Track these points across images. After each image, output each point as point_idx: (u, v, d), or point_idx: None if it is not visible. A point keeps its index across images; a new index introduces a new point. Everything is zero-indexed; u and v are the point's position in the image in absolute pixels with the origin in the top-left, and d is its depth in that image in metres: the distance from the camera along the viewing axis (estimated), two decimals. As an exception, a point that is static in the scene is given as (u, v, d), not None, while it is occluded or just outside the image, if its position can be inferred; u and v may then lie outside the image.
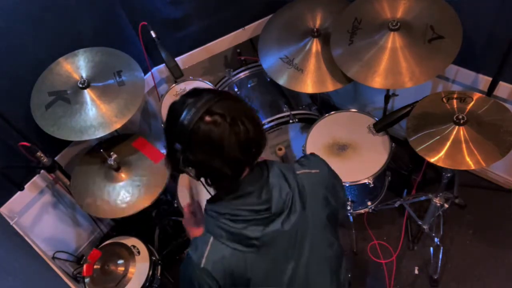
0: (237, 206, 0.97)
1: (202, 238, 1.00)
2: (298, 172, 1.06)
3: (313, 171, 1.09)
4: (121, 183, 1.83)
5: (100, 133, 1.69)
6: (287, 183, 1.00)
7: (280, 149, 2.18)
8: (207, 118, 0.89)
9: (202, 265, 0.96)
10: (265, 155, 2.32)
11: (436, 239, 2.07)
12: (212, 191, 1.05)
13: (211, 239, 0.98)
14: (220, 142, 0.88)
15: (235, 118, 0.90)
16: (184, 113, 0.91)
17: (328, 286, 1.09)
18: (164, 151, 1.50)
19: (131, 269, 1.88)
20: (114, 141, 1.97)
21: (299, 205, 1.00)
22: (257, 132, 0.94)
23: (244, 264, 0.97)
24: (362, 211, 2.14)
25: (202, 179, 0.99)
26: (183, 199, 1.98)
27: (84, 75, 1.77)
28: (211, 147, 0.89)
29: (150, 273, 1.88)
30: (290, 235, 0.99)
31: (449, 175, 1.79)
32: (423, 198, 2.15)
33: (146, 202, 1.78)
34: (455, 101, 1.65)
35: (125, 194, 1.81)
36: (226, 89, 2.34)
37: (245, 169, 0.97)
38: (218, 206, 0.99)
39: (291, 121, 2.09)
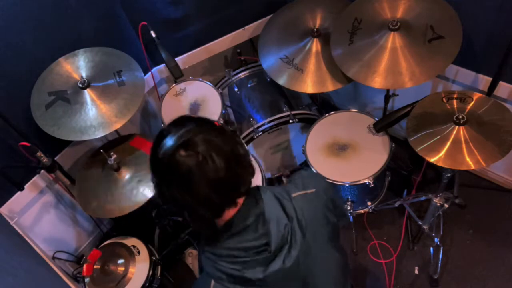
0: (234, 245, 0.92)
1: (203, 281, 0.97)
2: (294, 195, 1.01)
3: (309, 191, 1.04)
4: (123, 181, 1.83)
5: (100, 133, 1.68)
6: (285, 213, 0.95)
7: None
8: (181, 152, 0.84)
9: None
10: (265, 155, 2.34)
11: (436, 239, 2.07)
12: None
13: (213, 282, 0.94)
14: (191, 179, 0.84)
15: (209, 156, 0.84)
16: (162, 144, 0.88)
17: None
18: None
19: (131, 269, 1.88)
20: (113, 143, 1.98)
21: (299, 235, 0.95)
22: (233, 172, 0.88)
23: None
24: (362, 211, 2.14)
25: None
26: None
27: (84, 75, 1.77)
28: (183, 185, 0.86)
29: (150, 273, 1.88)
30: (293, 271, 0.95)
31: (449, 175, 1.79)
32: (423, 198, 2.15)
33: (150, 193, 1.79)
34: (455, 101, 1.65)
35: (128, 190, 1.81)
36: (226, 89, 2.35)
37: (224, 210, 0.91)
38: (214, 247, 0.95)
39: (291, 121, 2.09)
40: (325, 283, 1.05)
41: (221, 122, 2.02)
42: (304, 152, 1.98)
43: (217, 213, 0.92)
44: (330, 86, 1.92)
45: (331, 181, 1.85)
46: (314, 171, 1.88)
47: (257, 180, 1.93)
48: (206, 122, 0.93)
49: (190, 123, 0.90)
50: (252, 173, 0.95)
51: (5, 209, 1.88)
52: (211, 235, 0.97)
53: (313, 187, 1.05)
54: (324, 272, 1.04)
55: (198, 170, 0.84)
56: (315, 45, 1.98)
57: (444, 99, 1.66)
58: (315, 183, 1.08)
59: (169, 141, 0.87)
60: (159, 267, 1.99)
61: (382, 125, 1.90)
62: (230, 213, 0.92)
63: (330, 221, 1.05)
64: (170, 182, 0.88)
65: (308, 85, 1.93)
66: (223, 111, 2.04)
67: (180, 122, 0.92)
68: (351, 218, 2.20)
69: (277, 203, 0.97)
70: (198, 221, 0.95)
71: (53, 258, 2.08)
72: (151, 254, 1.94)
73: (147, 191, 1.79)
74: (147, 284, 1.86)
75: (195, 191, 0.85)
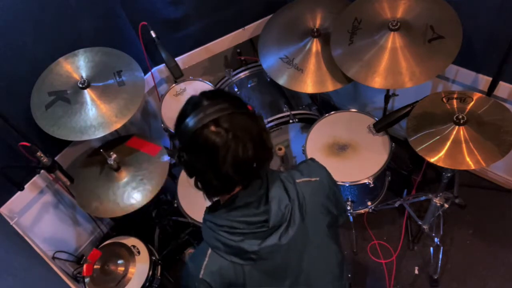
0: (234, 218, 0.95)
1: (200, 249, 1.00)
2: (298, 181, 1.04)
3: (313, 179, 1.07)
4: (124, 181, 1.83)
5: (100, 133, 1.69)
6: (287, 195, 0.99)
7: (280, 149, 2.18)
8: (212, 128, 0.87)
9: (200, 276, 0.96)
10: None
11: (436, 239, 2.07)
12: None
13: (209, 250, 0.98)
14: (216, 155, 0.87)
15: (239, 137, 0.87)
16: (193, 114, 0.89)
17: None
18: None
19: (131, 269, 1.88)
20: (112, 143, 1.97)
21: (298, 217, 0.99)
22: (258, 155, 0.91)
23: (242, 276, 0.97)
24: (362, 211, 2.14)
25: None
26: (183, 199, 1.98)
27: (84, 75, 1.77)
28: (206, 157, 0.88)
29: (150, 273, 1.88)
30: (288, 250, 0.98)
31: (449, 175, 1.79)
32: (423, 198, 2.15)
33: (154, 192, 1.78)
34: (455, 101, 1.65)
35: (130, 189, 1.81)
36: (226, 89, 2.35)
37: (236, 187, 0.95)
38: (216, 217, 0.98)
39: (291, 121, 2.08)
40: (319, 270, 1.07)
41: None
42: (304, 152, 1.98)
43: (229, 189, 0.95)
44: (330, 86, 1.92)
45: (331, 181, 1.86)
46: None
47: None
48: (239, 103, 0.94)
49: (225, 100, 0.91)
50: (271, 158, 0.98)
51: (5, 209, 1.88)
52: (214, 205, 1.02)
53: (318, 176, 1.08)
54: (319, 260, 1.06)
55: (224, 148, 0.86)
56: (315, 45, 1.98)
57: (444, 99, 1.66)
58: (320, 173, 1.10)
59: (201, 113, 0.88)
60: (159, 267, 1.99)
61: (382, 125, 1.90)
62: (237, 189, 0.96)
63: (330, 211, 1.08)
64: (194, 152, 0.90)
65: (308, 85, 1.93)
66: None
67: (215, 96, 0.93)
68: (351, 218, 2.20)
69: (281, 185, 1.00)
70: (207, 189, 0.97)
71: (53, 258, 2.08)
72: (151, 254, 1.94)
73: (148, 193, 1.79)
74: (147, 284, 1.86)
75: (217, 166, 0.88)
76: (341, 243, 1.15)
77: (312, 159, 1.16)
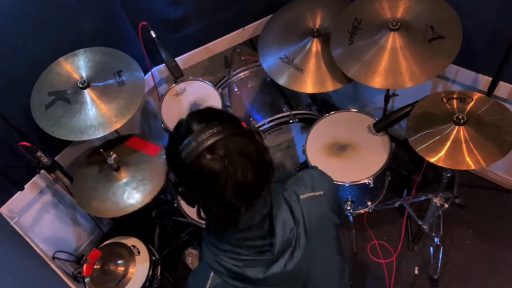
0: (238, 242, 0.92)
1: (203, 271, 0.96)
2: (302, 197, 1.00)
3: (317, 193, 1.03)
4: (123, 181, 1.83)
5: (100, 133, 1.68)
6: (292, 216, 0.94)
7: (280, 149, 2.19)
8: (207, 157, 0.80)
9: None
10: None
11: (436, 239, 2.07)
12: None
13: (212, 274, 0.94)
14: (215, 184, 0.81)
15: (237, 162, 0.81)
16: (184, 143, 0.82)
17: None
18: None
19: (131, 269, 1.88)
20: (111, 144, 1.97)
21: (303, 240, 0.94)
22: (259, 176, 0.85)
23: None
24: (362, 211, 2.13)
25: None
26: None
27: (84, 75, 1.77)
28: (205, 187, 0.83)
29: (150, 273, 1.88)
30: (293, 272, 0.94)
31: (449, 175, 1.79)
32: (423, 198, 2.15)
33: (154, 192, 1.78)
34: (455, 101, 1.65)
35: (130, 190, 1.81)
36: (226, 89, 2.34)
37: (239, 211, 0.89)
38: (217, 241, 0.94)
39: (291, 121, 2.08)
40: (324, 284, 1.05)
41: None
42: (304, 152, 1.98)
43: (233, 214, 0.90)
44: (330, 86, 1.92)
45: (331, 181, 1.86)
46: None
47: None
48: (231, 122, 0.87)
49: (215, 122, 0.84)
50: (273, 174, 0.91)
51: (5, 209, 1.87)
52: (216, 229, 0.97)
53: (322, 189, 1.05)
54: (324, 274, 1.04)
55: (223, 175, 0.80)
56: (315, 45, 1.98)
57: (444, 99, 1.66)
58: (324, 185, 1.07)
59: (193, 142, 0.81)
60: (159, 267, 1.99)
61: (382, 125, 1.90)
62: (241, 212, 0.92)
63: (335, 223, 1.05)
64: (191, 183, 0.86)
65: (308, 85, 1.93)
66: (223, 111, 2.03)
67: (205, 118, 0.86)
68: (351, 218, 2.20)
69: (286, 205, 0.96)
70: (210, 217, 0.93)
71: (53, 258, 2.08)
72: (151, 254, 1.94)
73: (148, 193, 1.79)
74: (147, 284, 1.86)
75: (218, 195, 0.83)
76: (343, 249, 1.13)
77: (314, 168, 1.13)
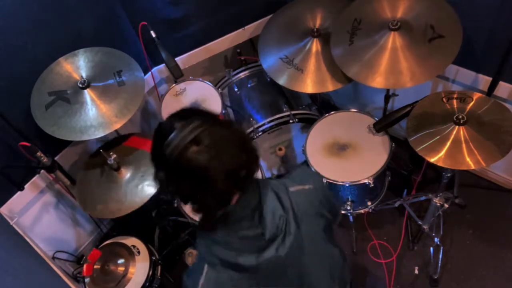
0: (229, 233, 0.94)
1: (196, 265, 0.99)
2: (291, 190, 1.02)
3: (306, 186, 1.06)
4: (125, 179, 1.84)
5: (100, 133, 1.69)
6: (281, 205, 0.97)
7: (280, 149, 2.18)
8: (193, 149, 0.83)
9: None
10: (265, 155, 2.34)
11: (436, 239, 2.07)
12: None
13: (206, 266, 0.96)
14: (205, 174, 0.84)
15: (224, 149, 0.85)
16: (169, 139, 0.84)
17: None
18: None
19: (131, 269, 1.88)
20: (112, 143, 1.97)
21: (293, 226, 0.97)
22: (244, 162, 0.89)
23: None
24: (362, 211, 2.14)
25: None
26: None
27: (84, 75, 1.77)
28: (196, 180, 0.85)
29: (150, 273, 1.88)
30: (286, 260, 0.97)
31: (449, 175, 1.79)
32: (423, 198, 2.15)
33: (153, 189, 1.79)
34: (455, 101, 1.65)
35: (132, 187, 1.81)
36: (226, 89, 2.35)
37: (231, 199, 0.92)
38: (210, 233, 0.97)
39: (291, 121, 2.09)
40: (320, 276, 1.06)
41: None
42: (304, 152, 1.98)
43: (225, 203, 0.92)
44: (330, 86, 1.92)
45: (331, 181, 1.85)
46: (314, 170, 1.88)
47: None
48: (210, 116, 0.92)
49: (195, 117, 0.88)
50: (258, 160, 0.96)
51: (5, 209, 1.88)
52: (210, 225, 0.99)
53: (311, 184, 1.07)
54: (319, 265, 1.05)
55: (212, 165, 0.83)
56: (315, 45, 1.98)
57: (444, 99, 1.66)
58: (313, 180, 1.10)
59: (177, 137, 0.84)
60: (159, 267, 1.99)
61: (382, 125, 1.90)
62: (232, 202, 0.94)
63: (326, 217, 1.07)
64: (181, 178, 0.87)
65: (308, 85, 1.93)
66: (223, 111, 2.04)
67: (184, 116, 0.89)
68: (351, 218, 2.20)
69: (274, 195, 0.98)
70: (203, 210, 0.95)
71: (53, 258, 2.08)
72: (151, 254, 1.94)
73: (150, 187, 1.80)
74: (147, 284, 1.86)
75: (210, 185, 0.85)
76: (340, 244, 1.14)
77: (303, 165, 1.16)
